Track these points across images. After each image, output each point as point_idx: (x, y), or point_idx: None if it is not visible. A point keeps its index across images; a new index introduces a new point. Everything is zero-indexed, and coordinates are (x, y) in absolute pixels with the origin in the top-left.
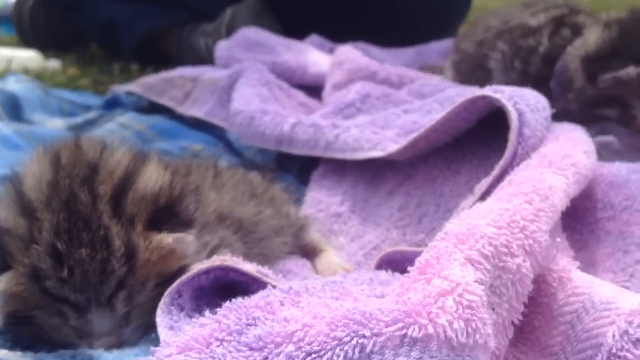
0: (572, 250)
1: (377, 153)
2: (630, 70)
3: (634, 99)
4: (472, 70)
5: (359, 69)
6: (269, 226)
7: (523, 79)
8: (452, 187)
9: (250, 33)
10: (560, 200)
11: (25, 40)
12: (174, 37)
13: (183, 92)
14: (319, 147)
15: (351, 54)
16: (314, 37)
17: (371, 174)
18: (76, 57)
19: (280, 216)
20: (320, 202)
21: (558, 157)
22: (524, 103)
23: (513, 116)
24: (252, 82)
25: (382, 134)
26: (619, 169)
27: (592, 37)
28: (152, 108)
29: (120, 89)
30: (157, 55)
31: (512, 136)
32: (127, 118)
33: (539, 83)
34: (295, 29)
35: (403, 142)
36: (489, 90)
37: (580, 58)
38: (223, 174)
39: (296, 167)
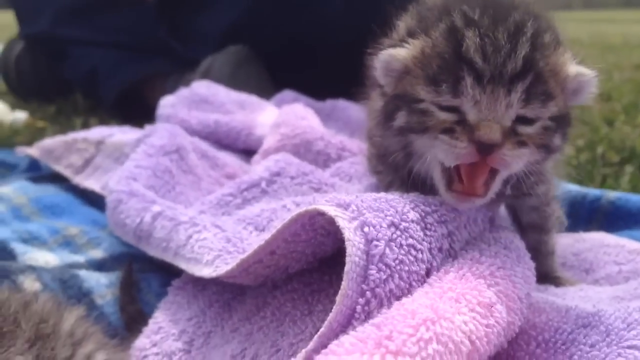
0: None
1: (206, 271)
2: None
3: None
4: None
5: (294, 135)
6: None
7: None
8: (299, 328)
9: (201, 88)
10: None
11: (12, 89)
12: (159, 87)
13: (83, 159)
14: (170, 251)
15: (292, 115)
16: (287, 93)
17: (230, 295)
18: (57, 108)
19: None
20: (160, 329)
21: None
22: (378, 224)
23: (353, 249)
24: (152, 150)
25: (240, 241)
26: None
27: None
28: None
29: (22, 151)
30: (143, 107)
31: (346, 282)
32: (11, 188)
33: None
34: (294, 78)
35: (233, 263)
36: (328, 204)
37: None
38: None
39: None
